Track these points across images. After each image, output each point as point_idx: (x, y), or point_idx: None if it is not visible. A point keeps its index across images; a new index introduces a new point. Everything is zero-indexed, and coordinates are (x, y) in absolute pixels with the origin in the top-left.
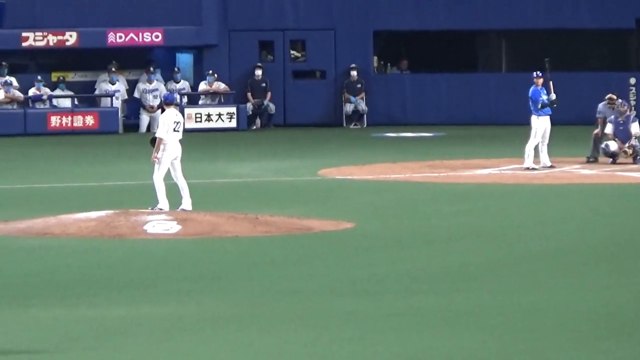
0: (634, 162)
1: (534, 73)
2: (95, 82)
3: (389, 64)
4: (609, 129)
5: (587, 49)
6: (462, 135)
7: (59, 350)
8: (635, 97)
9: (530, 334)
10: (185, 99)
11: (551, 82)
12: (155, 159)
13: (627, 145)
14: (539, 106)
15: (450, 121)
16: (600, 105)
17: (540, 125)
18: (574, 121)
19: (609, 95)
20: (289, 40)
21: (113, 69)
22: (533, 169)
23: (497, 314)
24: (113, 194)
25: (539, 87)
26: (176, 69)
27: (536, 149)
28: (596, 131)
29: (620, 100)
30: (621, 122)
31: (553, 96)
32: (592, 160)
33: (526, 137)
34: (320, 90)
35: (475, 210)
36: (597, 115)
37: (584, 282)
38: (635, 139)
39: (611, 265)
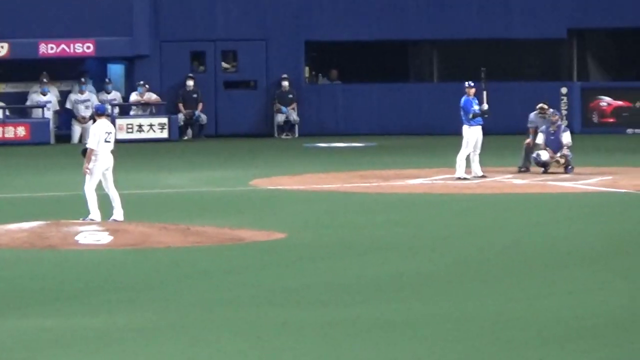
0: (565, 172)
1: (466, 83)
2: (27, 93)
3: (320, 75)
4: (540, 138)
5: (519, 58)
6: (393, 145)
7: None
8: (566, 107)
9: (462, 344)
10: (116, 110)
11: (485, 92)
12: (87, 170)
13: (558, 154)
14: (471, 116)
15: (382, 131)
16: (532, 115)
17: (472, 135)
18: (506, 131)
19: (540, 105)
20: (221, 51)
21: (45, 80)
22: (464, 178)
23: (430, 323)
24: (45, 204)
25: (471, 97)
26: (107, 80)
27: (468, 159)
28: (528, 141)
29: (551, 110)
30: (552, 131)
31: (485, 106)
32: (524, 170)
33: (458, 147)
34: (251, 101)
35: (407, 220)
36: (529, 125)
37: (516, 292)
38: (567, 148)
39: (542, 275)
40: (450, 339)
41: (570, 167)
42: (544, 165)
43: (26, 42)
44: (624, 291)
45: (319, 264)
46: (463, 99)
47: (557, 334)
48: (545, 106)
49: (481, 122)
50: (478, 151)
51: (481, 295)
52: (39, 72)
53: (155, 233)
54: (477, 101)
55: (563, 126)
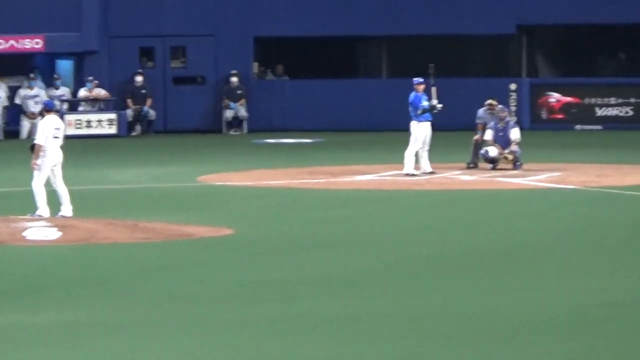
0: (514, 168)
1: (415, 79)
2: None
3: (269, 70)
4: (488, 134)
5: (468, 54)
6: (342, 142)
7: None
8: (515, 103)
9: (411, 339)
10: (65, 106)
11: (434, 88)
12: (35, 165)
13: (507, 151)
14: (420, 112)
15: (330, 127)
16: (480, 111)
17: (420, 131)
18: (454, 127)
19: (488, 101)
20: (170, 47)
21: None
22: (413, 175)
23: (376, 319)
24: None
25: (420, 93)
26: (56, 76)
27: (416, 155)
28: (476, 137)
29: (500, 106)
30: (501, 127)
31: (434, 102)
32: (472, 166)
33: (406, 143)
34: (200, 97)
35: (355, 216)
36: (477, 121)
37: (463, 288)
38: (515, 144)
39: (492, 271)
40: (396, 335)
41: (519, 163)
42: (493, 161)
43: None
44: (572, 287)
45: (267, 259)
46: (412, 95)
47: (504, 329)
48: (494, 102)
49: (430, 118)
50: (427, 147)
51: (428, 292)
52: None
53: (103, 229)
54: (426, 97)
55: (512, 122)
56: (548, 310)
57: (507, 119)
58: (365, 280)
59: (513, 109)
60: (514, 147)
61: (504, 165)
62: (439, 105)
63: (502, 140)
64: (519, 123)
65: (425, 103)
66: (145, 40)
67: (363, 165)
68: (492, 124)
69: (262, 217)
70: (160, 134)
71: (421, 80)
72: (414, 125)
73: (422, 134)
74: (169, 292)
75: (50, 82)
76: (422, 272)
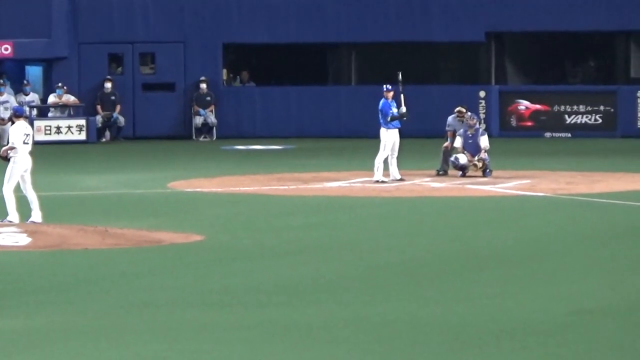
0: (484, 175)
1: (384, 86)
2: None
3: (238, 77)
4: (458, 142)
5: (437, 61)
6: (311, 148)
7: None
8: (485, 110)
9: (380, 346)
10: (34, 112)
11: (402, 95)
12: (8, 151)
13: (476, 158)
14: (389, 119)
15: (300, 134)
16: (450, 118)
17: (390, 138)
18: (424, 134)
19: (458, 108)
20: (139, 53)
21: None
22: (383, 181)
23: (348, 326)
24: None
25: (389, 100)
26: (25, 82)
27: (386, 161)
28: (446, 144)
29: (469, 114)
30: (470, 135)
31: (403, 109)
32: (442, 173)
33: (376, 150)
34: (169, 103)
35: (325, 223)
36: (447, 128)
37: (434, 295)
38: (485, 152)
39: (461, 278)
40: (367, 341)
41: (488, 170)
42: (462, 168)
43: None
44: (542, 294)
45: (237, 266)
46: (381, 101)
47: (474, 337)
48: (464, 109)
49: (399, 125)
50: (396, 154)
51: (399, 299)
52: None
53: (74, 235)
54: (395, 104)
55: (481, 130)
56: (517, 318)
57: (477, 126)
58: (337, 287)
59: (482, 116)
60: (483, 155)
61: (473, 172)
62: (405, 112)
63: (472, 148)
64: (488, 130)
65: (394, 110)
66: (115, 46)
67: (332, 172)
68: (461, 131)
69: (232, 223)
70: (129, 141)
71: (390, 87)
72: (383, 132)
73: (390, 140)
74: (139, 298)
75: (19, 88)
76: (394, 279)
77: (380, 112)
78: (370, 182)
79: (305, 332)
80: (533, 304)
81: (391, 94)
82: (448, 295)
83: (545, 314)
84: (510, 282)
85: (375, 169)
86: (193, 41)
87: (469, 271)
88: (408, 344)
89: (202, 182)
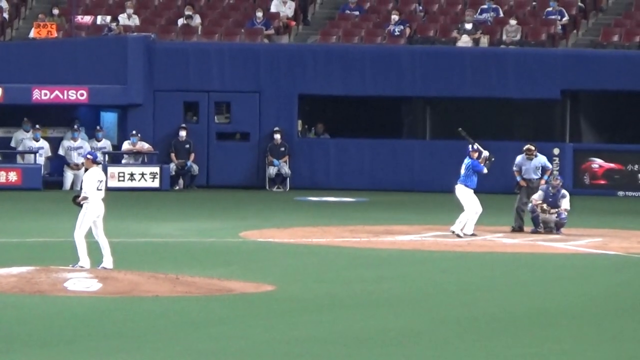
0: (556, 232)
1: (470, 146)
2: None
3: (313, 128)
4: (539, 196)
5: (512, 118)
6: (384, 201)
7: None
8: (558, 167)
9: None
10: (107, 158)
11: (476, 144)
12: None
13: (553, 211)
14: (485, 171)
15: (373, 187)
16: (519, 158)
17: (472, 195)
18: (497, 190)
19: (527, 146)
20: (214, 102)
21: (37, 126)
22: (473, 235)
23: None
24: (34, 250)
25: (475, 159)
26: (98, 127)
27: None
28: (519, 180)
29: (555, 173)
30: (551, 193)
31: (486, 153)
32: (517, 229)
33: (448, 204)
34: (243, 153)
35: (396, 276)
36: (514, 168)
37: (502, 351)
38: (565, 211)
39: (530, 334)
40: None
41: (561, 228)
42: (536, 220)
43: (20, 87)
44: (611, 353)
45: (307, 317)
46: (469, 161)
47: None
48: (533, 147)
49: (475, 186)
50: (480, 211)
51: (467, 354)
52: (33, 118)
53: (144, 282)
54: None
55: (563, 191)
56: None
57: (559, 187)
58: (404, 340)
59: (556, 173)
60: (561, 211)
61: (541, 214)
62: (489, 154)
63: (550, 204)
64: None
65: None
66: (190, 94)
67: (404, 225)
68: (544, 187)
69: (303, 274)
70: (202, 189)
71: (475, 147)
72: (463, 189)
73: (474, 197)
74: (208, 347)
75: (92, 134)
76: (462, 334)
77: (470, 170)
78: (441, 236)
79: None
80: None
81: (477, 154)
82: (516, 351)
83: None
84: (580, 340)
85: (463, 223)
86: (268, 91)
87: (538, 327)
88: None
89: (274, 233)
